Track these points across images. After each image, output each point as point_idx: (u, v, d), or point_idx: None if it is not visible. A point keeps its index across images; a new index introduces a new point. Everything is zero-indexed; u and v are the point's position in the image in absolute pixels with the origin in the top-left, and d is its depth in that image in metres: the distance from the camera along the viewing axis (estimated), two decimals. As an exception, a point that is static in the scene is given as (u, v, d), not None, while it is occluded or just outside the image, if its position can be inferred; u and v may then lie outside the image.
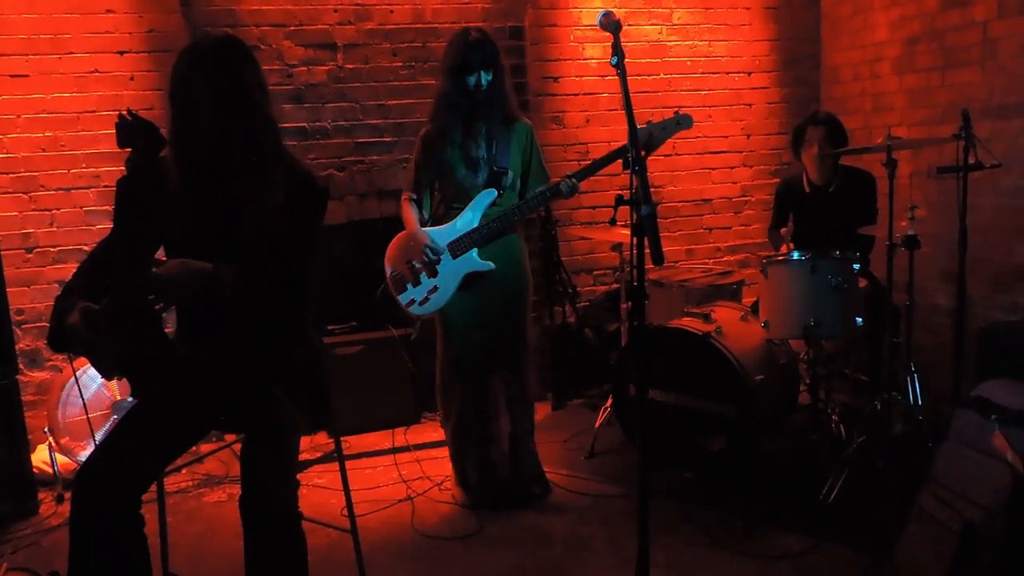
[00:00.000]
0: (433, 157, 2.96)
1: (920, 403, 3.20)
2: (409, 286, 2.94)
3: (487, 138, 2.93)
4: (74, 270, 2.14)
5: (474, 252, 2.91)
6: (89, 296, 1.97)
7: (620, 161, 2.42)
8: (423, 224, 3.00)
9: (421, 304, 2.94)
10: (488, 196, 2.92)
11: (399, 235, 3.01)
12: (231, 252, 1.99)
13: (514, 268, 3.01)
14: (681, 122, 2.72)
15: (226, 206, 2.03)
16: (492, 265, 2.92)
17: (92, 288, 2.01)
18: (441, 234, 2.93)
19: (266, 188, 2.03)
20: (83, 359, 3.36)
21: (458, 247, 2.91)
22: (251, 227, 2.00)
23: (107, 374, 2.09)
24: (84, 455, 3.47)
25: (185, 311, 2.09)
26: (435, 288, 2.92)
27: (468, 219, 2.92)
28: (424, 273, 2.92)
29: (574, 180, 2.85)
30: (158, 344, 2.01)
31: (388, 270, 2.99)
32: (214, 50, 2.04)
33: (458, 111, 2.90)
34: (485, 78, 2.84)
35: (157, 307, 1.93)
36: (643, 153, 2.55)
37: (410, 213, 3.00)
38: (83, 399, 2.92)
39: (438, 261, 2.90)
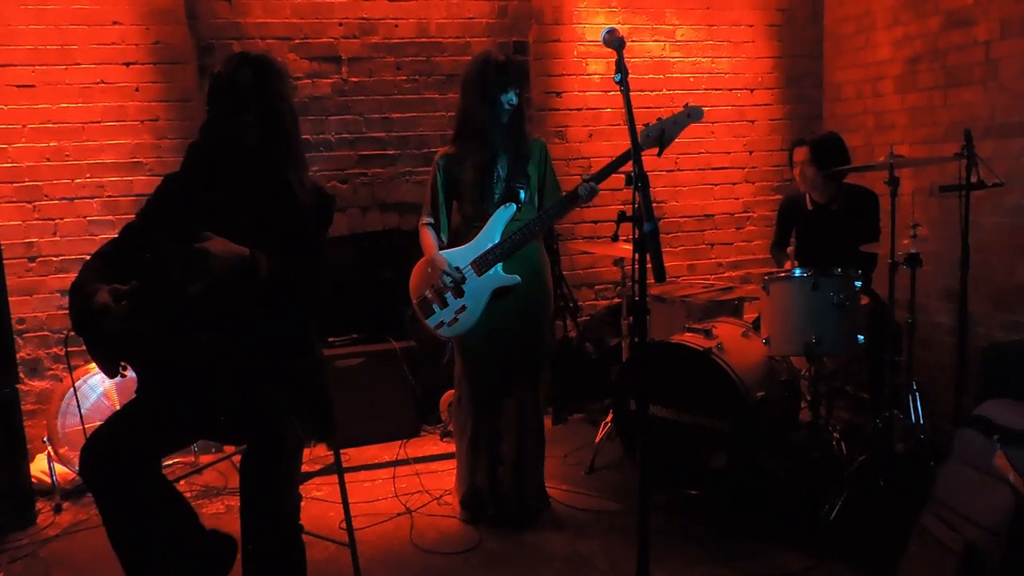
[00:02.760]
0: (451, 178, 2.95)
1: (922, 422, 3.19)
2: (436, 308, 2.90)
3: (505, 157, 2.93)
4: (88, 260, 2.17)
5: (499, 267, 2.89)
6: (111, 281, 2.02)
7: (623, 176, 2.43)
8: (441, 247, 2.96)
9: (450, 325, 2.90)
10: (507, 211, 2.91)
11: (419, 262, 2.98)
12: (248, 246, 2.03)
13: (536, 282, 2.99)
14: (692, 114, 2.68)
15: (236, 204, 2.06)
16: (518, 279, 2.91)
17: (115, 273, 2.06)
18: (463, 254, 2.91)
19: (277, 190, 2.08)
20: (82, 371, 3.38)
21: (483, 264, 2.88)
22: (257, 225, 2.05)
23: (112, 369, 2.10)
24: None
25: (191, 307, 2.10)
26: (463, 308, 2.89)
27: (489, 235, 2.90)
28: (450, 294, 2.89)
29: (592, 183, 2.81)
30: (177, 329, 2.03)
31: (414, 298, 2.96)
32: (257, 57, 2.18)
33: (488, 131, 2.87)
34: (513, 99, 2.85)
35: (192, 288, 1.94)
36: (658, 149, 2.57)
37: (428, 239, 2.96)
38: (80, 411, 2.93)
39: (463, 280, 2.88)
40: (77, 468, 1.99)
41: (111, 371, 2.12)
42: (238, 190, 2.12)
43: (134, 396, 2.12)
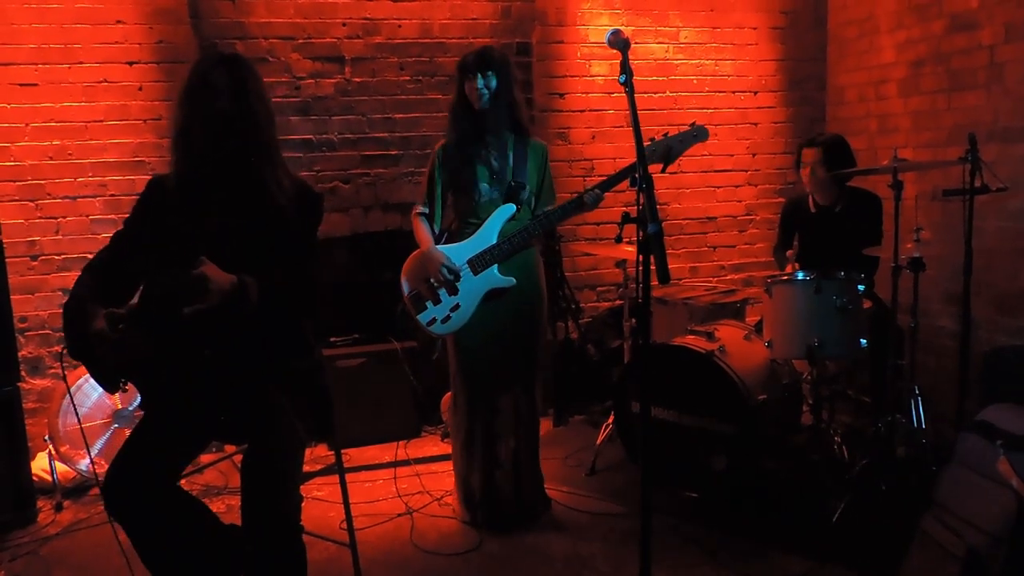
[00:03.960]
0: (448, 170, 2.94)
1: (924, 426, 3.18)
2: (429, 304, 2.89)
3: (504, 152, 2.92)
4: (80, 275, 2.15)
5: (495, 268, 2.88)
6: (106, 302, 2.02)
7: (628, 178, 2.42)
8: (436, 240, 2.96)
9: (443, 322, 2.89)
10: (506, 211, 2.89)
11: (413, 254, 2.96)
12: (234, 255, 2.02)
13: (530, 283, 2.98)
14: (698, 134, 2.71)
15: (221, 208, 2.04)
16: (514, 280, 2.90)
17: (108, 287, 2.04)
18: (459, 250, 2.89)
19: (254, 192, 2.05)
20: (82, 370, 3.37)
21: (479, 263, 2.87)
22: (242, 228, 2.03)
23: (112, 386, 2.10)
24: (84, 464, 3.47)
25: (192, 326, 2.09)
26: (457, 306, 2.88)
27: (486, 235, 2.88)
28: (444, 290, 2.88)
29: (598, 191, 2.81)
30: (178, 348, 2.02)
31: (405, 290, 2.93)
32: (231, 56, 2.15)
33: (465, 118, 2.88)
34: (488, 82, 2.84)
35: (188, 309, 1.94)
36: (662, 165, 2.56)
37: (423, 231, 2.95)
38: (76, 412, 2.96)
39: (457, 279, 2.87)
40: (104, 505, 1.99)
41: (111, 387, 2.11)
42: (221, 194, 2.08)
43: (140, 418, 2.12)
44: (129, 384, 2.10)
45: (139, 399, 2.19)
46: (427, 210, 2.98)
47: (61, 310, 2.11)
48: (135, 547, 2.02)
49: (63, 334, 2.09)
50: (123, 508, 1.97)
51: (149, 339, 1.98)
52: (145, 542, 2.01)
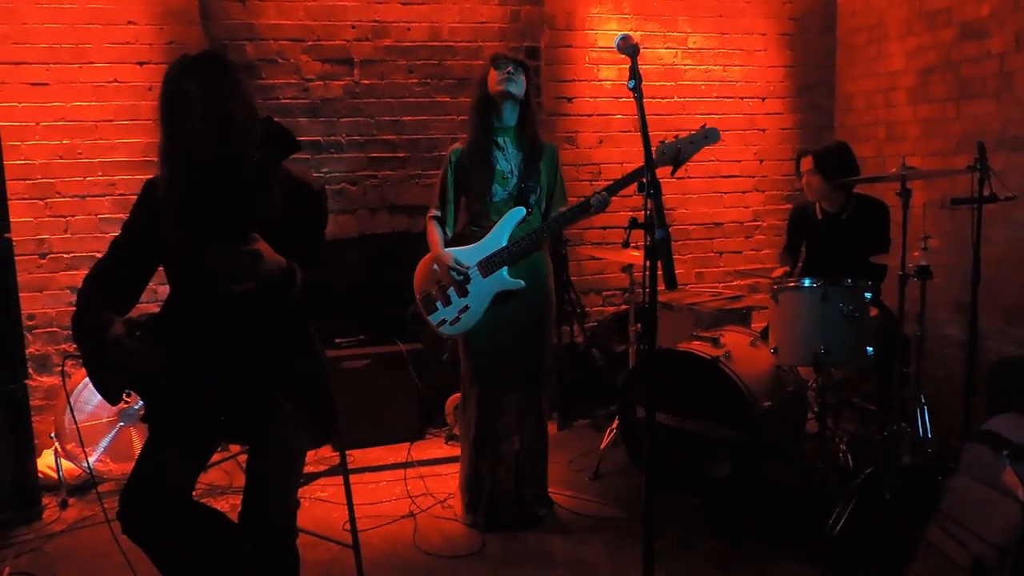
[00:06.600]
0: (460, 174, 2.97)
1: (929, 435, 3.17)
2: (439, 306, 2.92)
3: (516, 155, 2.94)
4: (81, 287, 2.14)
5: (504, 270, 2.90)
6: (110, 303, 2.02)
7: (635, 183, 2.41)
8: (447, 242, 2.99)
9: (452, 324, 2.92)
10: (517, 214, 2.91)
11: (425, 257, 3.00)
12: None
13: (539, 287, 2.99)
14: (709, 136, 2.65)
15: (213, 214, 2.01)
16: (522, 283, 2.91)
17: (111, 294, 2.05)
18: (469, 253, 2.92)
19: (256, 192, 2.02)
20: (84, 371, 3.39)
21: (488, 266, 2.89)
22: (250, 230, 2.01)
23: (114, 397, 2.10)
24: (89, 462, 3.48)
25: (193, 319, 2.09)
26: (466, 308, 2.90)
27: (497, 237, 2.90)
28: (454, 292, 2.90)
29: (604, 194, 2.80)
30: (188, 356, 2.02)
31: (417, 292, 2.98)
32: (202, 59, 2.04)
33: (485, 120, 2.91)
34: (518, 83, 2.87)
35: (236, 287, 1.92)
36: (672, 168, 2.56)
37: (434, 233, 2.99)
38: (74, 417, 2.97)
39: (467, 280, 2.89)
40: (121, 528, 1.99)
41: (114, 399, 2.11)
42: (210, 202, 2.02)
43: (148, 435, 2.12)
44: (132, 397, 2.09)
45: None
46: (440, 213, 3.01)
47: (69, 308, 2.11)
48: (156, 566, 2.02)
49: (75, 345, 2.08)
50: (141, 532, 1.96)
51: (164, 347, 1.98)
52: (166, 561, 2.00)
